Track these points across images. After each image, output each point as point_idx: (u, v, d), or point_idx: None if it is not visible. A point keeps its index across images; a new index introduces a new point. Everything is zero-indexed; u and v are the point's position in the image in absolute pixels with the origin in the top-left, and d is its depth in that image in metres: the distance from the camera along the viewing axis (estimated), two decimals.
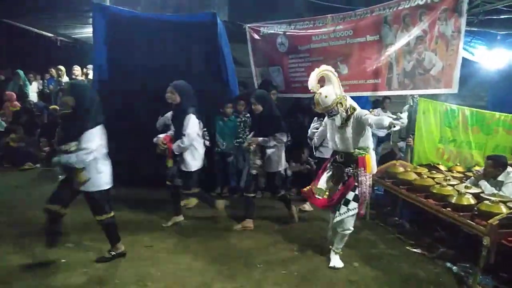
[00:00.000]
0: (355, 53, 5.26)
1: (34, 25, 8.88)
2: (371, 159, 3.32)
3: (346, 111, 3.27)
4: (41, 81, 9.88)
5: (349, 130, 3.27)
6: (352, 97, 5.89)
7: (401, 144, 6.35)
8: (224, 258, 3.58)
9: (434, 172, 4.53)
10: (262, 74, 6.53)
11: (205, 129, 4.75)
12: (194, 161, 4.18)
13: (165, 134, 4.23)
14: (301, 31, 5.87)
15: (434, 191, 3.80)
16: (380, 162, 6.10)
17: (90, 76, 7.62)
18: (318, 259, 3.64)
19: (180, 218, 4.43)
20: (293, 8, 7.13)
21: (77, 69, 8.20)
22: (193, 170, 4.18)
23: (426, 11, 4.50)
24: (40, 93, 9.18)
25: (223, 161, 5.65)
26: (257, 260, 3.55)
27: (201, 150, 4.26)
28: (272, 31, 6.19)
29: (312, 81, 3.23)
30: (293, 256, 3.69)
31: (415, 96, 5.04)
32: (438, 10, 4.38)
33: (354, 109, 3.29)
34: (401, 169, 4.56)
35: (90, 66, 7.77)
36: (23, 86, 8.82)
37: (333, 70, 3.30)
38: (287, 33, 6.03)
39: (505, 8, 4.92)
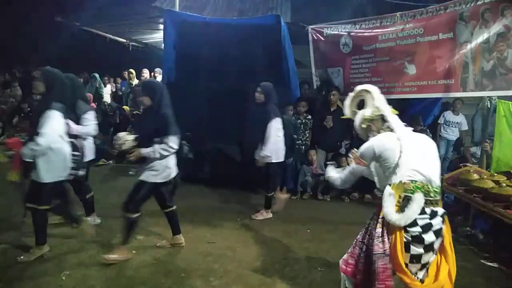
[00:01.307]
0: (426, 52, 5.01)
1: (110, 32, 9.59)
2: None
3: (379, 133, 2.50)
4: (114, 84, 10.67)
5: (373, 162, 2.48)
6: (419, 99, 5.68)
7: (474, 149, 5.92)
8: (285, 260, 3.57)
9: None
10: (321, 75, 6.46)
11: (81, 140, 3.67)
12: (50, 170, 3.20)
13: (14, 136, 3.37)
14: (366, 30, 5.72)
15: None
16: (449, 168, 5.75)
17: (159, 79, 8.06)
18: None
19: (46, 249, 3.39)
20: (357, 7, 6.95)
21: (145, 72, 8.70)
22: (46, 181, 3.18)
23: (509, 5, 4.15)
24: (114, 95, 9.89)
25: (282, 162, 5.64)
26: (318, 263, 3.50)
27: (62, 157, 3.26)
28: (336, 32, 6.10)
29: (346, 108, 2.72)
30: None
31: (493, 97, 4.66)
32: None
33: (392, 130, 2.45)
34: (476, 176, 4.22)
35: (158, 70, 8.21)
36: (99, 88, 9.56)
37: (368, 87, 2.62)
38: (352, 33, 5.90)
39: None
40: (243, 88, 5.68)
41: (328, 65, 6.35)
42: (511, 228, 3.51)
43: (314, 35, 6.38)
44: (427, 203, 2.15)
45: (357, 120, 2.59)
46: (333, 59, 6.24)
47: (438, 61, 4.87)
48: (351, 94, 2.67)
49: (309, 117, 5.82)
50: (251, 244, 3.90)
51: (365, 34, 5.71)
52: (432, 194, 2.18)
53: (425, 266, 2.20)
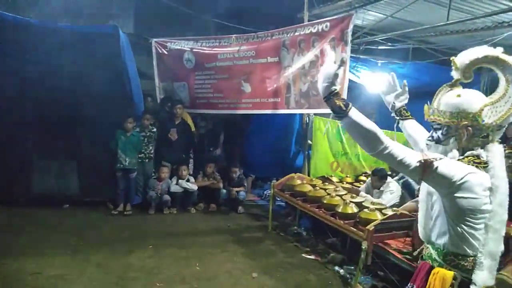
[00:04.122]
0: (258, 73, 5.57)
1: None
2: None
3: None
4: None
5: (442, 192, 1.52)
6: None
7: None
8: (122, 281, 3.45)
9: (327, 183, 4.97)
10: (166, 89, 6.53)
11: None
12: None
13: None
14: (207, 49, 6.03)
15: (325, 201, 4.18)
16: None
17: None
18: (219, 273, 3.72)
19: None
20: (200, 25, 7.27)
21: None
22: None
23: (318, 38, 4.99)
24: None
25: (126, 177, 5.45)
26: (157, 279, 3.50)
27: None
28: (179, 47, 6.24)
29: (456, 70, 1.65)
30: (195, 272, 3.71)
31: (310, 114, 5.51)
32: (327, 39, 4.89)
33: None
34: (298, 182, 4.90)
35: None
36: None
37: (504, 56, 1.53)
38: (194, 50, 6.14)
39: (381, 41, 5.70)
40: (80, 100, 5.27)
41: (174, 79, 6.44)
42: (324, 224, 4.20)
43: (158, 48, 6.39)
44: None
45: (461, 105, 1.54)
46: (178, 73, 6.36)
47: (268, 81, 5.49)
48: (476, 55, 1.55)
49: (154, 129, 5.77)
50: (85, 269, 3.62)
51: (206, 51, 6.02)
52: None
53: None
